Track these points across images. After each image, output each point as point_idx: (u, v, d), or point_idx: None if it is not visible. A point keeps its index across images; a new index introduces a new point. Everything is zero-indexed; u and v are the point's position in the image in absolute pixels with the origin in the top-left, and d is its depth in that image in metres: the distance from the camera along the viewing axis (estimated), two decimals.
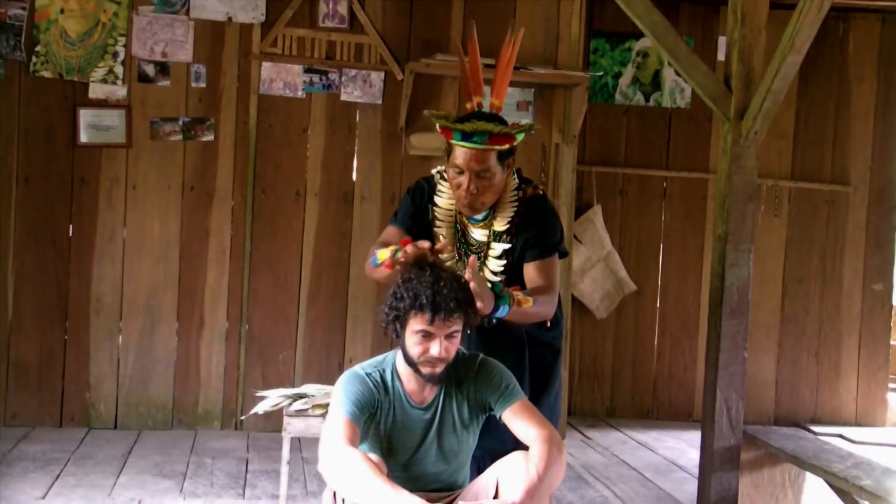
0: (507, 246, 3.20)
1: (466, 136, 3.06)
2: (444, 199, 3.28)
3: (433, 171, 3.37)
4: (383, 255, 2.96)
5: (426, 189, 3.33)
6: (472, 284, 2.77)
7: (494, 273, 3.22)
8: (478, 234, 3.25)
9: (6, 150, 5.29)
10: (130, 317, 5.45)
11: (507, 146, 3.09)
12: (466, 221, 3.27)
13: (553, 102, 5.76)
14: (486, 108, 3.19)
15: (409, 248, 2.85)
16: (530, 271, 3.19)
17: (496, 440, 2.99)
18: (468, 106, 3.22)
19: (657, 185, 6.47)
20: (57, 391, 5.38)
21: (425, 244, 2.86)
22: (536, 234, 3.20)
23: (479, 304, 2.78)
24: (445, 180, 3.25)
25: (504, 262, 3.21)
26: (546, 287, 3.15)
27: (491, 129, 3.04)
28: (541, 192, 3.29)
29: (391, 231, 3.33)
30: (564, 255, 3.36)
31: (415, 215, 3.32)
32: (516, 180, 3.24)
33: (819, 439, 4.88)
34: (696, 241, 6.49)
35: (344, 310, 5.65)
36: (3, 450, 4.84)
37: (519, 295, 2.96)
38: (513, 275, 3.23)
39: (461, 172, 3.10)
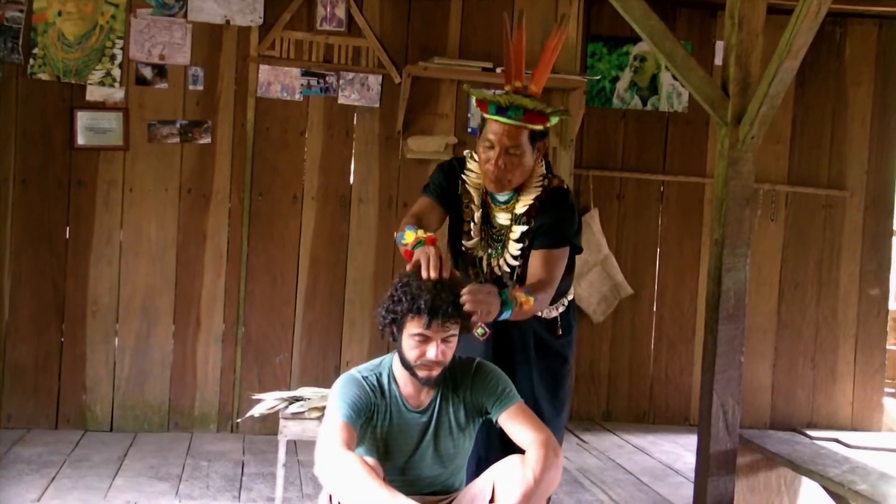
0: (525, 228, 3.20)
1: (501, 110, 3.08)
2: (472, 179, 3.28)
3: (465, 153, 3.39)
4: (409, 237, 2.94)
5: (456, 167, 3.34)
6: (470, 299, 2.74)
7: (514, 257, 3.23)
8: (501, 217, 3.26)
9: (3, 152, 5.29)
10: (127, 319, 5.45)
11: (540, 126, 3.12)
12: (491, 203, 3.27)
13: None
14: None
15: (433, 258, 2.79)
16: (536, 260, 3.18)
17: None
18: (507, 88, 3.22)
19: (654, 189, 6.47)
20: (53, 393, 5.38)
21: (448, 267, 2.82)
22: (551, 222, 3.19)
23: (479, 315, 2.75)
24: (476, 161, 3.26)
25: (521, 245, 3.21)
26: (546, 281, 3.13)
27: (526, 105, 3.07)
28: (565, 187, 3.30)
29: (425, 202, 3.31)
30: (578, 250, 3.35)
31: (446, 189, 3.32)
32: (544, 169, 3.26)
33: (815, 444, 4.88)
34: (692, 245, 6.50)
35: (341, 313, 5.65)
36: None
37: (522, 297, 2.94)
38: (526, 258, 3.23)
39: (492, 147, 3.12)
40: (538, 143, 3.17)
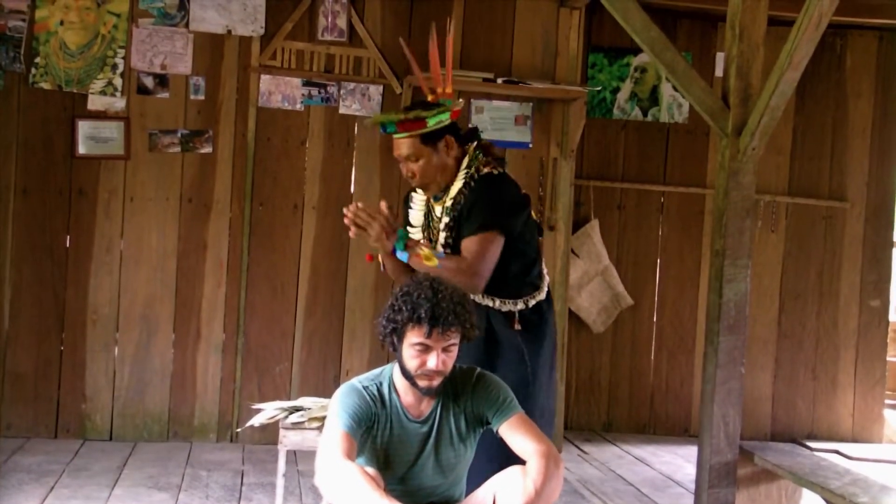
0: (447, 220, 3.36)
1: (384, 128, 3.38)
2: (418, 193, 3.55)
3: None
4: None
5: (410, 192, 3.63)
6: (357, 215, 3.14)
7: (443, 245, 3.37)
8: (437, 210, 3.44)
9: (5, 160, 5.29)
10: (127, 328, 5.44)
11: (420, 129, 3.31)
12: (433, 201, 3.48)
13: (551, 117, 5.78)
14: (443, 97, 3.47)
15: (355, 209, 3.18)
16: (461, 247, 3.30)
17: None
18: (430, 98, 3.49)
19: (655, 199, 6.48)
20: (52, 402, 5.37)
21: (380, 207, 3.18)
22: (469, 208, 3.32)
23: (354, 231, 3.17)
24: None
25: (447, 234, 3.36)
26: (463, 260, 3.23)
27: (393, 119, 3.34)
28: (496, 172, 3.39)
29: None
30: (510, 231, 3.32)
31: (405, 215, 3.61)
32: (475, 160, 3.39)
33: (816, 455, 4.87)
34: (693, 256, 6.49)
35: (341, 322, 5.65)
36: None
37: (424, 250, 3.15)
38: (457, 244, 3.35)
39: (400, 162, 3.42)
40: (439, 143, 3.35)
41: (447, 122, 3.36)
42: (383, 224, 3.13)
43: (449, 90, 3.48)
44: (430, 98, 3.47)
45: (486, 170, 3.37)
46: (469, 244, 3.27)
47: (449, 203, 3.37)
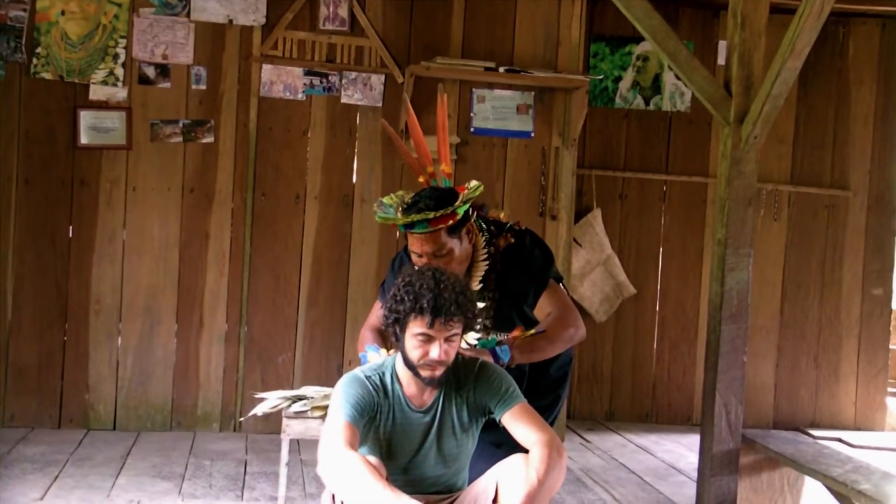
0: (482, 305, 3.18)
1: (409, 226, 3.11)
2: None
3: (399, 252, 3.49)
4: (373, 360, 3.08)
5: (406, 261, 3.35)
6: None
7: (476, 330, 3.21)
8: None
9: (6, 151, 5.29)
10: (130, 318, 5.45)
11: (451, 222, 3.10)
12: None
13: (553, 106, 5.77)
14: (438, 175, 3.32)
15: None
16: (538, 311, 3.29)
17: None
18: (421, 179, 3.33)
19: (657, 188, 6.47)
20: (56, 392, 5.38)
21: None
22: (521, 283, 3.28)
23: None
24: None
25: (483, 318, 3.19)
26: (557, 313, 3.25)
27: (427, 217, 3.06)
28: (513, 240, 3.33)
29: (380, 312, 3.26)
30: (559, 279, 3.42)
31: None
32: (486, 236, 3.30)
33: (818, 443, 4.88)
34: (695, 245, 6.49)
35: (343, 312, 5.65)
36: (1, 451, 4.84)
37: (510, 339, 3.11)
38: (501, 325, 3.27)
39: (420, 256, 3.15)
40: (461, 231, 3.18)
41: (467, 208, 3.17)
42: (473, 356, 2.99)
43: (449, 169, 3.31)
44: (421, 179, 3.32)
45: (503, 243, 3.31)
46: (544, 305, 3.29)
47: (477, 287, 3.24)
